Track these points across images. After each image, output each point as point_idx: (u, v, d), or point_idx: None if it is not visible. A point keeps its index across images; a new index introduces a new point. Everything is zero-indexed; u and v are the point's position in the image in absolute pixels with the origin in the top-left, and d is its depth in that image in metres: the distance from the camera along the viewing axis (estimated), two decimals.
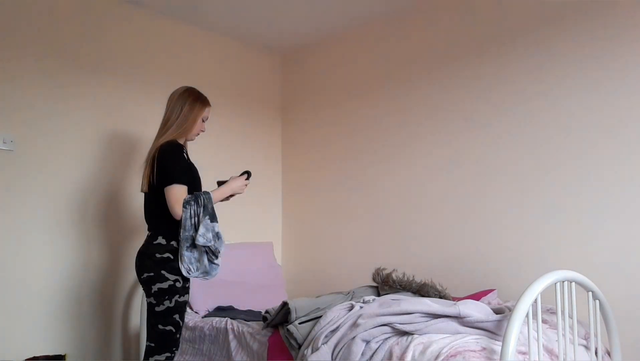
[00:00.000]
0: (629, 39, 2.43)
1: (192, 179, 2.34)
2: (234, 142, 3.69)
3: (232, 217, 3.44)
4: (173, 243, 2.26)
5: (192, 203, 2.24)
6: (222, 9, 3.29)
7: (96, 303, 2.93)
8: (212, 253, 2.26)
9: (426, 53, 3.19)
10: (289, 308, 2.21)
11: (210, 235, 2.21)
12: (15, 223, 2.66)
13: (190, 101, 2.41)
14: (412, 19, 3.27)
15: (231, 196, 2.46)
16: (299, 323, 2.15)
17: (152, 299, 2.22)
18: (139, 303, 3.07)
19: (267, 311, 2.39)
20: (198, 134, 2.49)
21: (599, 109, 2.51)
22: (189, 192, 2.28)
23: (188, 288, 2.32)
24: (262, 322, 2.43)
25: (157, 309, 2.21)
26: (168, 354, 2.23)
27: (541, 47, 2.70)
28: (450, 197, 3.01)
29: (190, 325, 2.74)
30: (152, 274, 2.22)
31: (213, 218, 2.25)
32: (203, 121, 2.47)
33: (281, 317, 2.26)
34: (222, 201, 2.43)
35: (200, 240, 2.19)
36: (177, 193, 2.23)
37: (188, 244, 2.22)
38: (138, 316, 3.07)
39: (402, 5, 3.26)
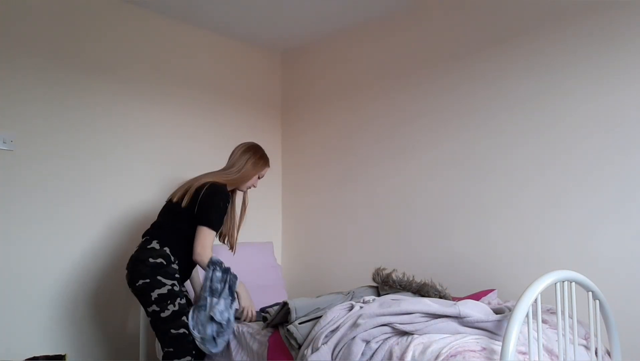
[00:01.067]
0: (629, 38, 2.43)
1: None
2: (233, 142, 3.67)
3: None
4: (166, 249, 2.29)
5: (219, 270, 2.30)
6: (222, 8, 3.29)
7: (96, 303, 2.93)
8: (217, 328, 2.27)
9: (426, 53, 3.19)
10: (289, 308, 2.20)
11: (225, 314, 2.27)
12: (15, 223, 2.66)
13: (256, 159, 2.60)
14: (412, 18, 3.27)
15: (237, 299, 2.47)
16: (299, 323, 2.15)
17: (154, 307, 2.23)
18: (139, 302, 3.06)
19: (267, 311, 2.39)
20: (249, 187, 2.65)
21: (599, 109, 2.50)
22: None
23: (182, 291, 2.36)
24: (262, 322, 2.43)
25: (164, 315, 2.22)
26: (189, 358, 2.25)
27: (540, 46, 2.70)
28: (450, 197, 3.01)
29: None
30: (148, 280, 2.23)
31: (233, 301, 2.34)
32: (259, 178, 2.66)
33: (281, 317, 2.26)
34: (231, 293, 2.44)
35: (216, 314, 2.24)
36: (210, 238, 2.34)
37: (201, 304, 2.27)
38: (138, 317, 3.07)
39: (402, 5, 3.26)
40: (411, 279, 2.52)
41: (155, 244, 2.30)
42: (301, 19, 3.47)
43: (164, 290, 2.23)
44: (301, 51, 3.95)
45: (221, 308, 2.24)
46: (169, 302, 2.22)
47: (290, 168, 3.95)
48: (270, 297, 3.14)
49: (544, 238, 2.63)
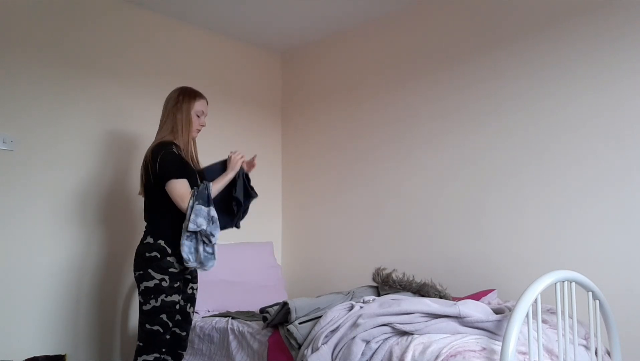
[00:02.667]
0: (631, 38, 2.43)
1: (187, 176, 2.32)
2: (233, 142, 3.69)
3: None
4: (160, 241, 2.27)
5: (194, 194, 2.25)
6: (222, 8, 3.29)
7: (96, 303, 2.93)
8: (207, 239, 2.23)
9: (426, 53, 3.19)
10: (289, 308, 2.20)
11: (200, 220, 2.19)
12: (15, 223, 2.66)
13: (179, 99, 2.40)
14: (413, 18, 3.27)
15: (241, 178, 2.45)
16: (299, 323, 2.15)
17: (140, 298, 2.26)
18: (138, 303, 3.06)
19: (267, 311, 2.39)
20: (198, 130, 2.47)
21: (600, 110, 2.50)
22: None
23: (178, 287, 2.28)
24: (262, 322, 2.43)
25: (144, 308, 2.24)
26: (156, 355, 2.23)
27: (544, 47, 2.70)
28: (450, 197, 3.01)
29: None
30: (141, 272, 2.26)
31: (207, 203, 2.24)
32: (198, 116, 2.44)
33: (281, 317, 2.26)
34: (237, 184, 2.41)
35: (191, 226, 2.18)
36: (178, 188, 2.25)
37: (188, 233, 2.22)
38: (138, 316, 3.07)
39: (403, 4, 3.26)
40: (411, 279, 2.52)
41: (149, 239, 2.29)
42: (301, 19, 3.47)
43: (150, 284, 2.22)
44: (301, 51, 3.94)
45: (192, 218, 2.18)
46: (152, 296, 2.21)
47: (291, 168, 3.95)
48: (270, 297, 3.14)
49: (544, 238, 2.63)
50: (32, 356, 2.60)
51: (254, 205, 2.65)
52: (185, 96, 2.42)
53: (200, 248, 2.22)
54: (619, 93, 2.45)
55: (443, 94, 3.09)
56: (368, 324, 1.93)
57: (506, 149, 2.80)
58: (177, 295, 2.27)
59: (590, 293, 2.02)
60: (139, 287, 2.27)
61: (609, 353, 2.19)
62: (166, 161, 2.27)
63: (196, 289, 2.49)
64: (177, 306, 2.29)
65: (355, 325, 1.97)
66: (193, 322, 2.73)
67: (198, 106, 2.44)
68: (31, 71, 2.76)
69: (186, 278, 2.39)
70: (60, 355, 2.58)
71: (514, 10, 2.81)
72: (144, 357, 2.22)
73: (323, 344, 1.98)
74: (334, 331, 2.02)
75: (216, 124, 3.59)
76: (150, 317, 2.23)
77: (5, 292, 2.61)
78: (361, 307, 2.07)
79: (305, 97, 3.89)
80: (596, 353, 2.02)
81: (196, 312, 2.97)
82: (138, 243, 2.35)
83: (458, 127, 3.01)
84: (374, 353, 1.88)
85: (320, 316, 2.14)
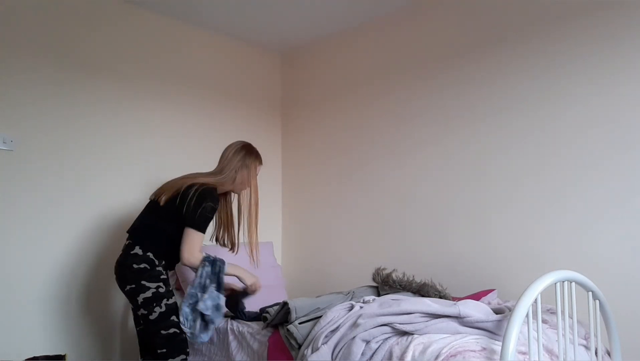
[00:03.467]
0: (630, 38, 2.43)
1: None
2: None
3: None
4: (149, 254, 2.29)
5: (208, 264, 2.28)
6: (222, 8, 3.29)
7: (96, 302, 2.93)
8: (206, 321, 2.27)
9: (426, 53, 3.19)
10: (289, 308, 2.21)
11: (209, 303, 2.24)
12: (14, 223, 2.66)
13: (249, 160, 2.53)
14: (412, 18, 3.27)
15: (241, 280, 2.49)
16: (299, 323, 2.15)
17: (142, 310, 2.25)
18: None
19: (267, 311, 2.39)
20: (244, 189, 2.57)
21: (598, 108, 2.50)
22: None
23: (172, 291, 2.36)
24: (262, 322, 2.43)
25: (152, 317, 2.24)
26: (183, 356, 2.26)
27: (538, 46, 2.70)
28: (450, 196, 3.01)
29: None
30: (133, 286, 2.25)
31: (219, 288, 2.29)
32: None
33: (281, 317, 2.26)
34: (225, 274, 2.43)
35: (201, 306, 2.22)
36: (198, 240, 2.30)
37: (191, 302, 2.25)
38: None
39: (402, 5, 3.27)
40: (411, 279, 2.52)
41: (137, 250, 2.28)
42: (301, 19, 3.47)
43: (148, 294, 2.24)
44: (301, 51, 3.94)
45: (208, 303, 2.24)
46: (154, 305, 2.24)
47: (291, 168, 3.95)
48: (270, 297, 3.14)
49: (544, 238, 2.63)
50: (32, 356, 2.60)
51: None
52: (254, 159, 2.56)
53: (198, 324, 2.26)
54: (619, 94, 2.45)
55: (443, 94, 3.09)
56: (368, 324, 1.93)
57: (506, 149, 2.80)
58: (174, 297, 2.33)
59: (590, 293, 2.02)
60: (135, 300, 2.26)
61: (609, 353, 2.19)
62: (206, 211, 2.30)
63: None
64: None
65: (355, 324, 1.97)
66: None
67: (259, 170, 2.60)
68: (31, 71, 2.77)
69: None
70: (60, 355, 2.58)
71: (514, 11, 2.82)
72: None
73: (323, 344, 1.98)
74: (334, 331, 2.02)
75: (216, 123, 3.60)
76: (162, 323, 2.24)
77: (5, 292, 2.61)
78: (361, 307, 2.07)
79: (305, 97, 3.89)
80: (596, 353, 2.02)
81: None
82: (120, 253, 2.34)
83: (458, 127, 3.01)
84: (374, 353, 1.88)
85: (320, 316, 2.15)
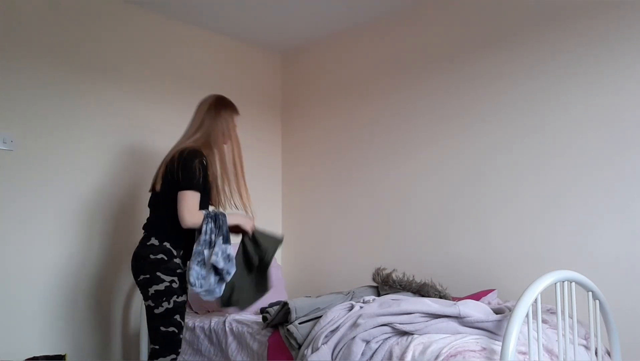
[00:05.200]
0: (629, 39, 2.43)
1: (204, 191, 2.30)
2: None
3: None
4: (166, 244, 2.24)
5: (210, 220, 2.23)
6: (222, 8, 3.29)
7: (96, 303, 2.93)
8: (220, 274, 2.22)
9: (425, 53, 3.19)
10: (289, 308, 2.21)
11: (220, 256, 2.20)
12: (14, 223, 2.66)
13: (224, 112, 2.43)
14: (412, 18, 3.27)
15: (237, 228, 2.39)
16: (299, 323, 2.15)
17: (150, 302, 2.21)
18: (139, 303, 3.06)
19: (267, 311, 2.39)
20: (225, 143, 2.45)
21: (597, 108, 2.50)
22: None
23: (186, 288, 2.29)
24: (262, 322, 2.43)
25: (157, 311, 2.19)
26: (174, 356, 2.22)
27: (538, 46, 2.70)
28: (450, 197, 3.01)
29: (189, 325, 2.74)
30: (147, 276, 2.21)
31: (227, 240, 2.24)
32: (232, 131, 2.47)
33: (281, 317, 2.26)
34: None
35: (214, 259, 2.17)
36: (194, 199, 2.22)
37: (199, 259, 2.20)
38: (138, 316, 3.07)
39: (402, 5, 3.26)
40: (411, 279, 2.52)
41: (154, 241, 2.24)
42: (301, 19, 3.47)
43: (161, 287, 2.19)
44: (301, 51, 3.95)
45: (219, 255, 2.19)
46: (164, 299, 2.18)
47: (291, 168, 3.95)
48: (270, 297, 3.14)
49: (544, 238, 2.63)
50: (32, 356, 2.60)
51: (254, 204, 2.58)
52: (226, 108, 2.45)
53: (212, 278, 2.21)
54: (622, 94, 2.45)
55: (443, 94, 3.09)
56: (368, 324, 1.93)
57: (506, 149, 2.80)
58: (185, 295, 2.28)
59: (590, 293, 2.03)
60: (146, 291, 2.22)
61: (609, 353, 2.19)
62: (194, 169, 2.23)
63: None
64: (185, 304, 2.29)
65: (355, 324, 1.97)
66: (193, 322, 2.74)
67: (236, 121, 2.49)
68: (31, 71, 2.76)
69: None
70: (60, 355, 2.58)
71: (513, 11, 2.81)
72: (161, 360, 2.20)
73: (323, 344, 1.98)
74: (334, 331, 2.02)
75: None
76: (165, 319, 2.19)
77: (5, 292, 2.61)
78: (361, 307, 2.07)
79: (305, 97, 3.89)
80: (596, 353, 2.02)
81: (196, 312, 2.97)
82: (137, 244, 2.32)
83: (458, 126, 3.01)
84: (374, 353, 1.88)
85: (320, 316, 2.15)
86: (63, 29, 2.90)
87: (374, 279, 2.61)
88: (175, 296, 2.21)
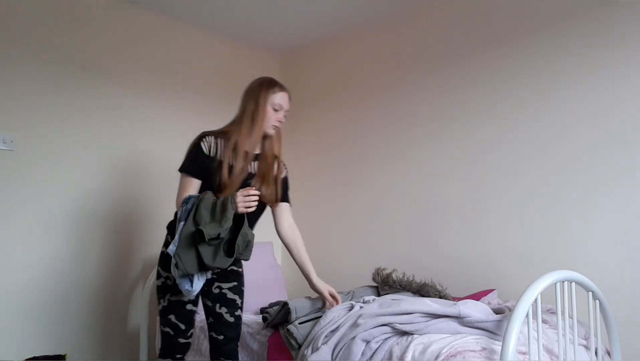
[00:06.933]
0: (631, 38, 2.43)
1: (206, 174, 2.06)
2: None
3: None
4: (169, 237, 2.10)
5: (184, 203, 1.95)
6: (222, 8, 3.29)
7: (96, 303, 2.93)
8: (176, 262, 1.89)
9: (426, 53, 3.19)
10: (289, 308, 2.21)
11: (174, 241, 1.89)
12: (14, 223, 2.66)
13: (257, 88, 2.19)
14: (413, 19, 3.27)
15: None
16: (299, 323, 2.15)
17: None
18: (139, 303, 3.07)
19: (267, 311, 2.39)
20: (275, 126, 2.18)
21: (598, 109, 2.50)
22: (204, 188, 2.04)
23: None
24: (262, 322, 2.43)
25: (158, 308, 2.11)
26: (169, 360, 2.11)
27: (541, 47, 2.70)
28: (450, 197, 3.01)
29: None
30: (156, 269, 2.13)
31: (185, 221, 1.91)
32: (276, 110, 2.18)
33: (281, 317, 2.26)
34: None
35: (171, 248, 1.88)
36: (180, 184, 2.08)
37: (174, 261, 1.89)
38: (138, 316, 3.07)
39: (403, 5, 3.26)
40: (411, 279, 2.52)
41: (168, 237, 2.12)
42: (301, 19, 3.47)
43: (159, 282, 2.08)
44: (301, 51, 3.94)
45: (175, 238, 1.89)
46: (160, 296, 2.07)
47: (291, 168, 3.93)
48: (270, 297, 3.14)
49: (544, 238, 2.63)
50: (32, 356, 2.60)
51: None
52: (264, 86, 2.19)
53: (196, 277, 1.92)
54: (620, 93, 2.45)
55: (443, 93, 3.09)
56: (368, 324, 1.93)
57: (506, 148, 2.80)
58: (183, 295, 2.06)
59: (590, 293, 2.03)
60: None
61: (609, 353, 2.19)
62: (188, 153, 2.08)
63: (229, 288, 2.16)
64: (190, 307, 2.08)
65: (355, 325, 1.97)
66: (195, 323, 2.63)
67: (276, 98, 2.18)
68: (31, 70, 2.76)
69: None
70: (60, 355, 2.58)
71: (512, 10, 2.81)
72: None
73: (323, 344, 1.98)
74: (334, 331, 2.02)
75: (216, 124, 3.59)
76: (162, 318, 2.08)
77: (5, 292, 2.61)
78: (361, 307, 2.07)
79: (304, 97, 3.89)
80: (596, 353, 2.02)
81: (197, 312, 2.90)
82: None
83: (458, 126, 3.01)
84: (374, 353, 1.88)
85: (320, 316, 2.15)
86: (63, 30, 2.90)
87: (374, 279, 2.61)
88: (169, 294, 2.05)
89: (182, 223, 1.92)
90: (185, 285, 1.91)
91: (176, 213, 2.07)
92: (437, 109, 3.11)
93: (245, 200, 1.97)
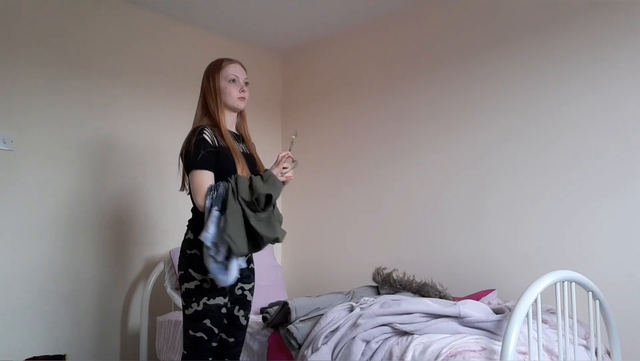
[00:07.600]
0: (631, 37, 2.43)
1: (219, 165, 2.00)
2: None
3: None
4: (191, 233, 2.01)
5: (212, 192, 1.90)
6: (222, 8, 3.29)
7: (96, 303, 2.93)
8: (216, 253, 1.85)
9: (426, 53, 3.19)
10: (289, 308, 2.21)
11: (212, 231, 1.82)
12: (14, 223, 2.66)
13: (206, 74, 2.15)
14: (413, 18, 3.27)
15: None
16: (299, 323, 2.15)
17: (182, 301, 2.00)
18: (139, 302, 3.07)
19: (267, 311, 2.39)
20: (241, 98, 2.11)
21: (600, 109, 2.50)
22: (218, 179, 1.97)
23: (223, 288, 1.96)
24: (262, 322, 2.43)
25: (187, 312, 1.97)
26: None
27: (542, 47, 2.70)
28: (450, 197, 3.01)
29: None
30: (182, 272, 1.99)
31: (223, 207, 1.86)
32: (233, 80, 2.10)
33: (281, 317, 2.26)
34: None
35: (204, 235, 1.82)
36: (197, 180, 1.94)
37: (211, 254, 1.84)
38: (138, 316, 3.07)
39: (403, 5, 3.26)
40: (411, 279, 2.52)
41: (190, 235, 2.02)
42: (301, 19, 3.47)
43: (191, 285, 1.95)
44: (301, 51, 3.94)
45: (212, 231, 1.84)
46: (193, 299, 1.94)
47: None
48: (270, 297, 3.14)
49: (544, 237, 2.63)
50: (32, 356, 2.60)
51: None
52: (211, 66, 2.13)
53: (210, 263, 1.84)
54: (620, 93, 2.45)
55: (442, 93, 3.09)
56: (368, 324, 1.93)
57: (506, 148, 2.80)
58: (222, 297, 1.97)
59: (590, 293, 2.03)
60: (180, 288, 2.00)
61: (609, 353, 2.19)
62: (191, 149, 1.98)
63: (249, 289, 2.13)
64: (223, 310, 1.99)
65: (355, 325, 1.97)
66: None
67: (228, 70, 2.11)
68: (31, 70, 2.76)
69: None
70: (60, 355, 2.58)
71: (512, 9, 2.81)
72: None
73: (323, 344, 1.98)
74: (334, 331, 2.02)
75: None
76: (193, 323, 1.95)
77: (5, 291, 2.61)
78: (361, 307, 2.07)
79: (305, 97, 3.89)
80: (596, 353, 2.02)
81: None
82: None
83: (458, 126, 3.01)
84: (374, 353, 1.88)
85: (320, 316, 2.15)
86: (63, 30, 2.90)
87: (374, 279, 2.61)
88: (206, 298, 1.94)
89: (215, 209, 1.85)
90: (221, 274, 1.82)
91: (194, 210, 2.04)
92: (437, 109, 3.11)
93: (282, 171, 2.00)
